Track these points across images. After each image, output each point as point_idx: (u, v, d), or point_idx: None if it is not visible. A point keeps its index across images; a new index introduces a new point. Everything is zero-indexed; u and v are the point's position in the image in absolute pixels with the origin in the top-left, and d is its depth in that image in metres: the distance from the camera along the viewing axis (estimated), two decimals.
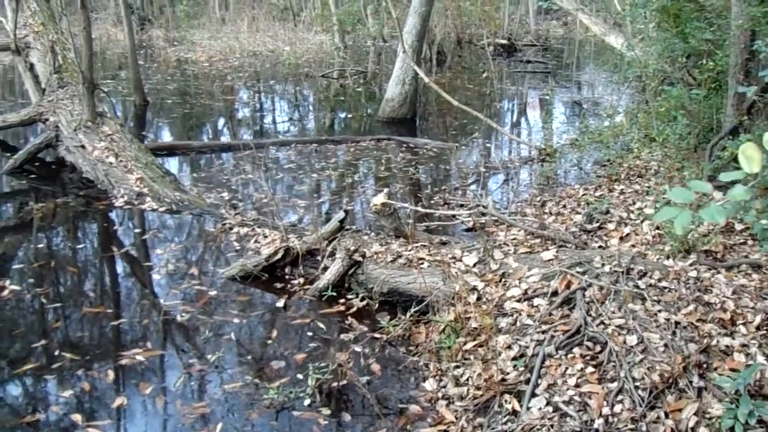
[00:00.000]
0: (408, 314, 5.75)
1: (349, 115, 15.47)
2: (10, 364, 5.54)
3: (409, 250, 6.46)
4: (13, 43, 12.26)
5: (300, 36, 26.33)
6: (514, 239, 6.73)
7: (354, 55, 23.53)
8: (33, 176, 10.44)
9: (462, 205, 8.59)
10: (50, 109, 11.12)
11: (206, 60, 22.97)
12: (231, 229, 8.03)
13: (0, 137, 12.32)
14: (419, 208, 6.36)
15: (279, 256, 6.77)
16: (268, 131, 14.33)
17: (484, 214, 7.47)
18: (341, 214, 6.82)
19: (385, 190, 6.73)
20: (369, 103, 16.89)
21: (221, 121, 15.56)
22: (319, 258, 6.78)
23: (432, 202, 8.77)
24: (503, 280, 5.84)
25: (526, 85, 19.21)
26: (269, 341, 5.84)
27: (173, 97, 17.29)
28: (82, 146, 10.20)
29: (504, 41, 24.83)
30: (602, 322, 4.97)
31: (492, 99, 17.11)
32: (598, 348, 4.78)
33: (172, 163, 11.36)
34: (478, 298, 5.70)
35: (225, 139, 14.20)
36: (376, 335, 5.74)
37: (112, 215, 8.95)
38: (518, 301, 5.53)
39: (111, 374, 5.33)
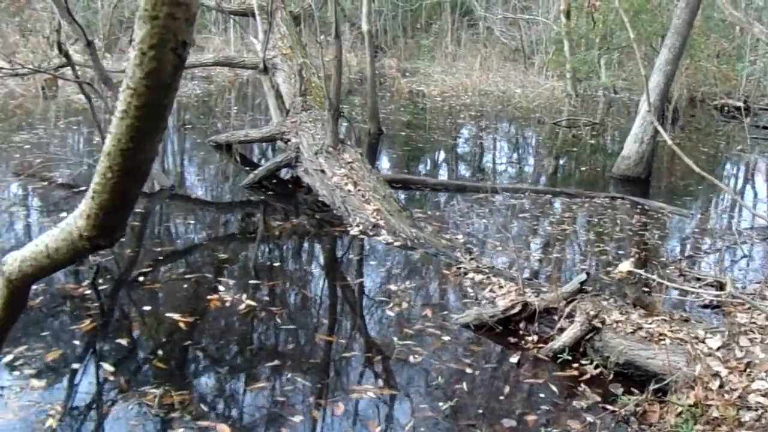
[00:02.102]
0: (647, 391, 5.69)
1: (581, 168, 15.40)
2: (245, 378, 5.90)
3: (650, 323, 6.37)
4: (262, 62, 13.21)
5: (531, 79, 26.38)
6: (753, 322, 6.52)
7: (584, 104, 23.33)
8: (270, 193, 11.13)
9: (698, 279, 8.39)
10: (293, 130, 11.82)
11: (438, 95, 23.47)
12: (466, 274, 8.13)
13: (240, 151, 13.26)
14: (666, 282, 6.28)
15: (516, 310, 6.84)
16: (499, 175, 14.47)
17: (723, 294, 7.27)
18: (583, 276, 6.82)
19: (632, 258, 6.70)
20: (600, 156, 16.72)
21: (451, 159, 15.92)
22: (555, 317, 6.78)
23: (667, 271, 8.58)
24: (748, 369, 5.68)
25: (759, 151, 18.36)
26: (501, 397, 5.86)
27: (406, 129, 17.83)
28: (322, 170, 10.75)
29: (739, 103, 23.86)
30: None
31: (731, 161, 16.58)
32: None
33: (404, 197, 11.65)
34: (720, 386, 5.58)
35: (445, 176, 14.56)
36: (609, 407, 5.69)
37: (346, 242, 9.34)
38: (764, 395, 5.36)
39: (341, 407, 5.51)
